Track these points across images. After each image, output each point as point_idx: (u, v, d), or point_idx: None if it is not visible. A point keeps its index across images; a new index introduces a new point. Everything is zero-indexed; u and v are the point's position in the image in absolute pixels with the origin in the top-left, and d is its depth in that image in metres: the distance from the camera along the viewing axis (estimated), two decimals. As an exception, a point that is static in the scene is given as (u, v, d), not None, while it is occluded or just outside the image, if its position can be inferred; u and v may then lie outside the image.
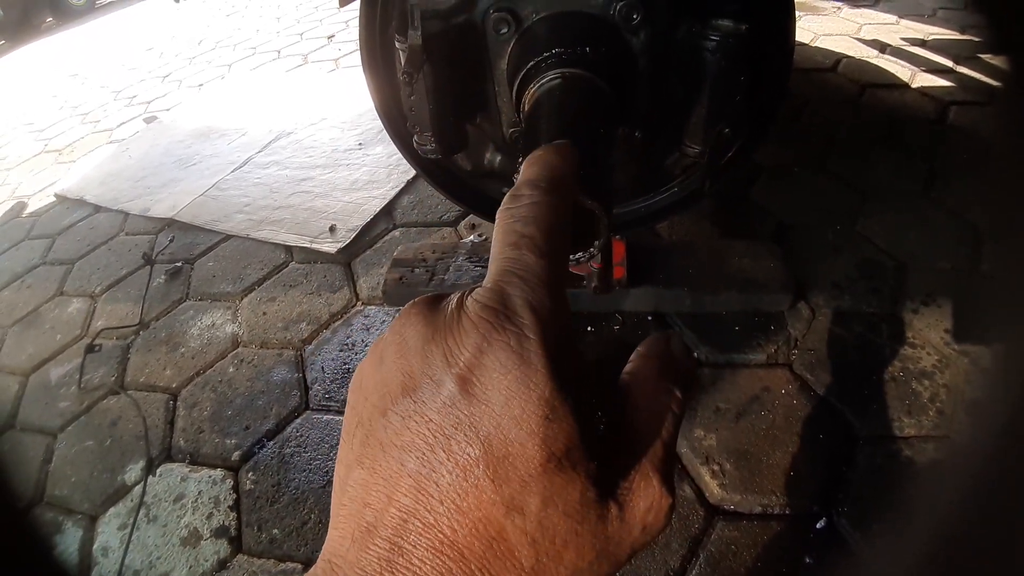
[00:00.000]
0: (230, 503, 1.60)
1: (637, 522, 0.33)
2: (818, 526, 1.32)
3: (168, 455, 1.75)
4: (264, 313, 2.15)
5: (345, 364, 1.89)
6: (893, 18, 3.34)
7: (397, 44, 0.97)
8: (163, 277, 2.45)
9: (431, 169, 1.23)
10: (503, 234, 0.38)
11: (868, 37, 3.16)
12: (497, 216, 0.40)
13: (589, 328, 1.81)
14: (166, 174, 3.28)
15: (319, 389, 1.83)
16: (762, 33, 0.96)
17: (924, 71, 2.78)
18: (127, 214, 2.99)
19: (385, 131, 1.22)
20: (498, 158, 1.18)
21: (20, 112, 5.26)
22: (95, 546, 1.59)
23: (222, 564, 1.48)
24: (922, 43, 3.03)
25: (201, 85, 4.64)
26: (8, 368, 2.24)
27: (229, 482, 1.64)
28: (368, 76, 1.15)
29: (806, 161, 2.33)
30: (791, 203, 2.14)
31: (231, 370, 1.96)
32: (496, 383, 0.31)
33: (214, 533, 1.54)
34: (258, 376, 1.91)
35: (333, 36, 4.91)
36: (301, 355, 1.95)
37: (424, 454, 0.31)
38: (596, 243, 0.52)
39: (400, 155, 1.24)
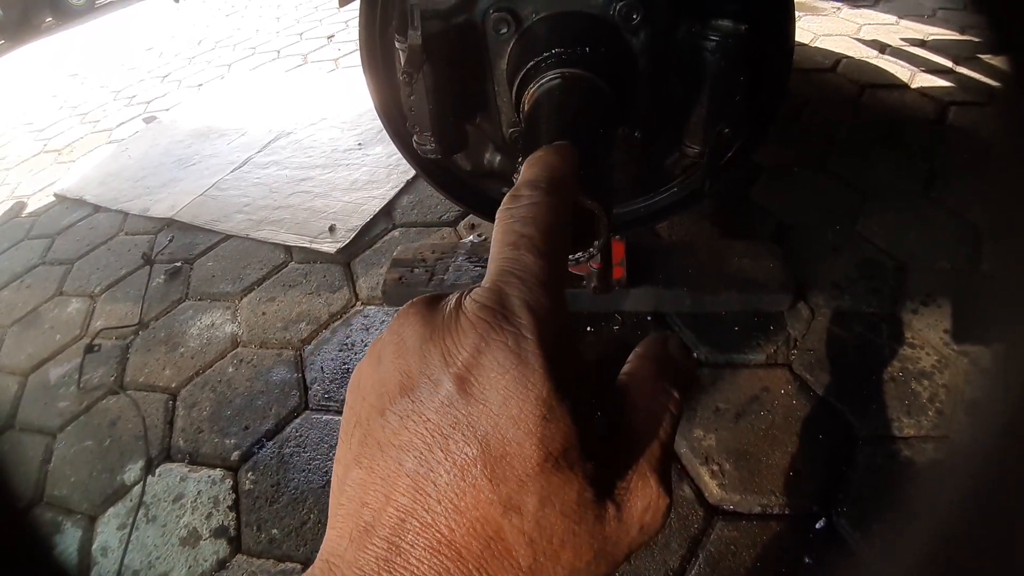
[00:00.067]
0: (229, 503, 1.60)
1: (634, 522, 0.33)
2: (817, 526, 1.32)
3: (167, 455, 1.75)
4: (263, 313, 2.15)
5: (344, 364, 1.89)
6: (893, 18, 3.34)
7: (397, 44, 0.97)
8: (162, 277, 2.45)
9: (431, 169, 1.23)
10: (502, 234, 0.38)
11: (868, 37, 3.16)
12: (496, 216, 0.40)
13: (589, 328, 1.81)
14: (166, 174, 3.28)
15: (318, 389, 1.83)
16: (762, 33, 0.96)
17: (924, 71, 2.78)
18: (126, 214, 2.99)
19: (385, 131, 1.22)
20: (498, 158, 1.18)
21: (20, 112, 5.26)
22: (94, 546, 1.59)
23: (221, 564, 1.48)
24: (922, 43, 3.03)
25: (201, 85, 4.64)
26: (7, 368, 2.24)
27: (228, 482, 1.64)
28: (368, 76, 1.14)
29: (806, 161, 2.33)
30: (791, 203, 2.14)
31: (230, 370, 1.96)
32: (494, 383, 0.31)
33: (213, 533, 1.54)
34: (257, 376, 1.91)
35: (333, 36, 4.91)
36: (300, 355, 1.95)
37: (422, 454, 0.31)
38: (596, 243, 0.52)
39: (400, 155, 1.24)
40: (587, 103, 0.75)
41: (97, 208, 3.13)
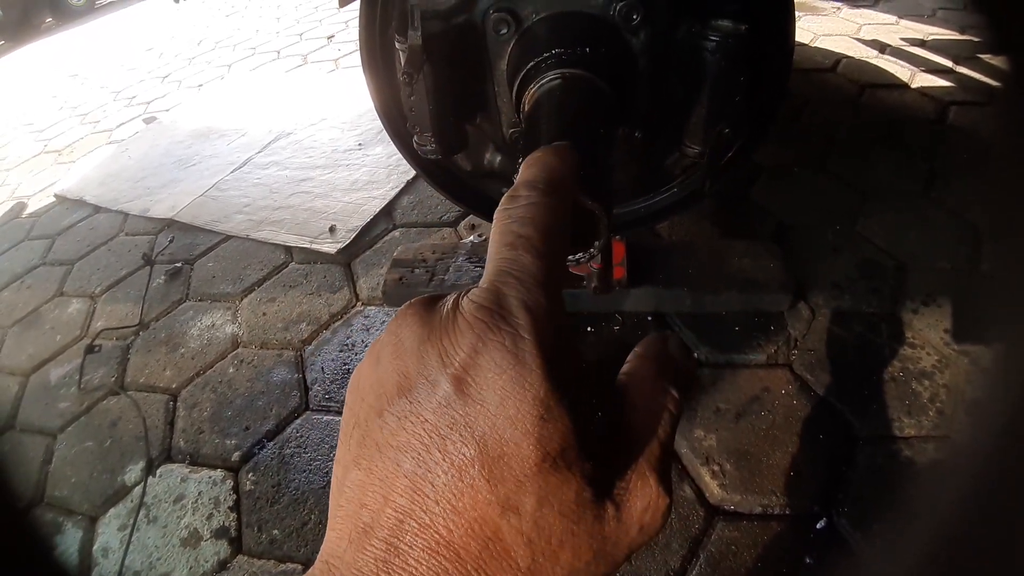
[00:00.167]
0: (230, 504, 1.60)
1: (634, 522, 0.33)
2: (818, 526, 1.32)
3: (168, 456, 1.76)
4: (264, 314, 2.15)
5: (345, 364, 1.89)
6: (893, 18, 3.34)
7: (397, 44, 0.97)
8: (163, 278, 2.45)
9: (431, 169, 1.23)
10: (500, 235, 0.38)
11: (868, 37, 3.16)
12: (495, 217, 0.40)
13: (589, 328, 1.81)
14: (166, 174, 3.28)
15: (319, 390, 1.83)
16: (762, 33, 0.96)
17: (924, 71, 2.78)
18: (127, 214, 2.99)
19: (385, 131, 1.22)
20: (498, 158, 1.18)
21: (20, 112, 5.27)
22: (95, 547, 1.59)
23: (222, 565, 1.48)
24: (922, 43, 3.03)
25: (201, 85, 4.65)
26: (8, 368, 2.25)
27: (229, 483, 1.64)
28: (368, 76, 1.14)
29: (806, 161, 2.33)
30: (791, 203, 2.14)
31: (231, 371, 1.96)
32: (491, 383, 0.31)
33: (214, 534, 1.54)
34: (258, 377, 1.91)
35: (333, 36, 4.92)
36: (301, 356, 1.95)
37: (420, 454, 0.31)
38: (596, 243, 0.52)
39: (400, 155, 1.24)
40: (587, 103, 0.75)
41: (97, 209, 3.14)
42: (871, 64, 2.91)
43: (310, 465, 1.63)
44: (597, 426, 0.34)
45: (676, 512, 1.38)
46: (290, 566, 1.44)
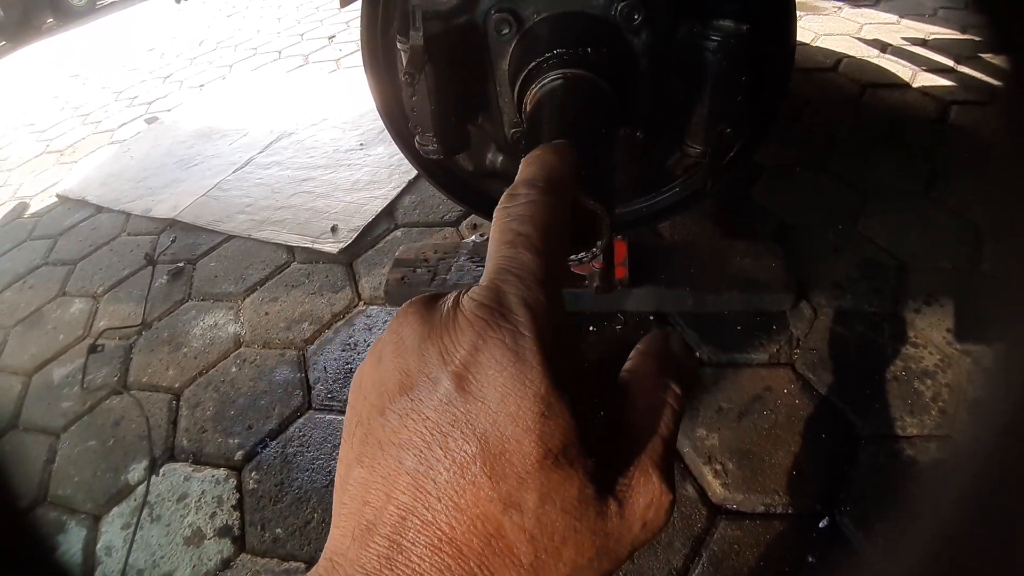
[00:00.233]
0: (233, 502, 1.60)
1: (637, 519, 0.33)
2: (821, 525, 1.32)
3: (171, 455, 1.76)
4: (266, 313, 2.15)
5: (347, 364, 1.89)
6: (894, 18, 3.33)
7: (399, 45, 0.97)
8: (165, 277, 2.45)
9: (433, 169, 1.23)
10: (499, 233, 0.38)
11: (869, 37, 3.16)
12: (494, 215, 0.40)
13: (591, 328, 1.81)
14: (168, 175, 3.28)
15: (321, 389, 1.83)
16: (763, 33, 0.96)
17: (925, 71, 2.78)
18: (129, 214, 2.99)
19: (387, 131, 1.22)
20: (500, 158, 1.18)
21: (21, 113, 5.27)
22: (99, 546, 1.60)
23: (225, 563, 1.48)
24: (923, 43, 3.02)
25: (202, 86, 4.65)
26: (11, 368, 2.25)
27: (232, 481, 1.65)
28: (370, 77, 1.15)
29: (807, 161, 2.33)
30: (792, 203, 2.14)
31: (234, 370, 1.96)
32: (492, 380, 0.31)
33: (217, 532, 1.55)
34: (261, 376, 1.91)
35: (334, 37, 4.92)
36: (303, 355, 1.96)
37: (421, 452, 0.31)
38: (598, 243, 0.52)
39: (402, 155, 1.24)
40: (589, 103, 0.75)
41: (99, 209, 3.14)
42: (872, 63, 2.91)
43: (313, 464, 1.63)
44: (599, 423, 0.34)
45: (679, 511, 1.38)
46: (293, 564, 1.45)
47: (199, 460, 1.72)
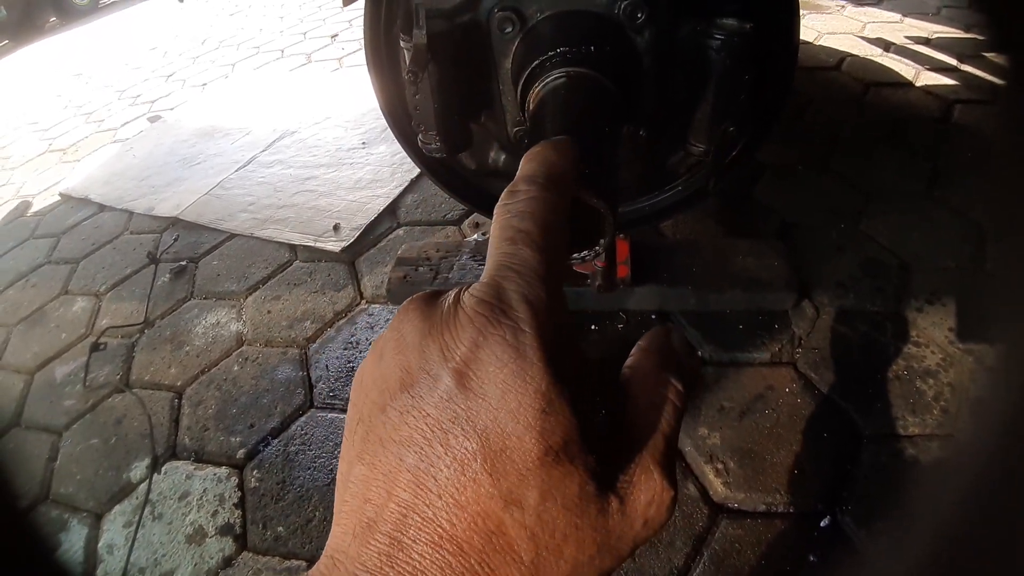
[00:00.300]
0: (235, 501, 1.60)
1: (638, 515, 0.33)
2: (822, 524, 1.32)
3: (173, 453, 1.76)
4: (268, 311, 2.15)
5: (349, 362, 1.89)
6: (897, 16, 3.33)
7: (402, 43, 0.97)
8: (168, 276, 2.45)
9: (435, 168, 1.23)
10: (499, 230, 0.38)
11: (872, 35, 3.16)
12: (495, 212, 0.40)
13: (593, 327, 1.81)
14: (170, 173, 3.28)
15: (323, 387, 1.83)
16: (766, 32, 0.95)
17: (928, 69, 2.77)
18: (131, 213, 3.00)
19: (389, 130, 1.22)
20: (503, 157, 1.18)
21: (24, 111, 5.28)
22: (100, 544, 1.60)
23: (227, 561, 1.49)
24: (926, 41, 3.02)
25: (205, 84, 4.65)
26: (13, 366, 2.25)
27: (234, 480, 1.65)
28: (372, 75, 1.15)
29: (810, 160, 2.33)
30: (795, 202, 2.14)
31: (236, 368, 1.97)
32: (492, 377, 0.31)
33: (219, 531, 1.55)
34: (263, 374, 1.92)
35: (337, 35, 4.92)
36: (305, 353, 1.96)
37: (422, 449, 0.31)
38: (601, 241, 0.52)
39: (404, 154, 1.24)
40: (592, 102, 0.75)
41: (102, 207, 3.14)
42: (875, 62, 2.90)
43: (314, 462, 1.63)
44: (600, 420, 0.34)
45: (680, 510, 1.38)
46: (295, 563, 1.45)
47: (201, 458, 1.73)
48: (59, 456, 1.86)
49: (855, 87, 2.73)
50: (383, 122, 1.21)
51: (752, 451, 1.45)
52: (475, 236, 2.24)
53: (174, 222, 2.81)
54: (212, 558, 1.50)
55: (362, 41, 1.13)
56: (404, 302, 0.37)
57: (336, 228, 2.44)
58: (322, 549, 0.33)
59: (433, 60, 0.93)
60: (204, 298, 2.31)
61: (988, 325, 1.53)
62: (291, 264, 2.36)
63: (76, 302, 2.48)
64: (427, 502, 0.30)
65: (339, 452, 0.36)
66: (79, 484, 1.76)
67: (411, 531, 0.30)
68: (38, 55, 7.42)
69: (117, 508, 1.66)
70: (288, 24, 5.62)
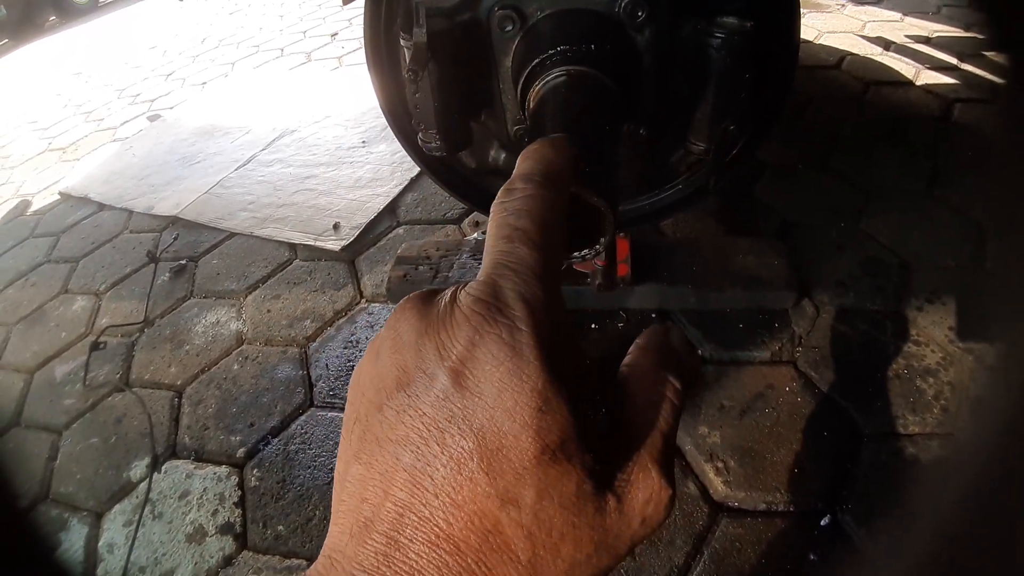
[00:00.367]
0: (235, 500, 1.60)
1: (636, 514, 0.33)
2: (822, 523, 1.32)
3: (173, 452, 1.76)
4: (268, 310, 2.15)
5: (349, 361, 1.89)
6: (897, 15, 3.33)
7: (402, 42, 0.97)
8: (167, 275, 2.45)
9: (435, 166, 1.23)
10: (496, 227, 0.38)
11: (872, 34, 3.15)
12: (491, 210, 0.40)
13: (593, 325, 1.81)
14: (170, 172, 3.28)
15: (323, 386, 1.83)
16: (767, 30, 0.95)
17: (928, 68, 2.77)
18: (131, 212, 3.00)
19: (389, 128, 1.22)
20: (503, 155, 1.18)
21: (24, 111, 5.28)
22: (100, 543, 1.60)
23: (227, 560, 1.49)
24: (926, 40, 3.02)
25: (204, 83, 4.65)
26: (13, 366, 2.25)
27: (234, 479, 1.65)
28: (372, 74, 1.15)
29: (810, 159, 2.33)
30: (795, 201, 2.14)
31: (236, 367, 1.97)
32: (488, 375, 0.31)
33: (219, 530, 1.55)
34: (262, 373, 1.92)
35: (336, 34, 4.91)
36: (305, 352, 1.96)
37: (418, 448, 0.31)
38: (601, 240, 0.52)
39: (404, 153, 1.24)
40: (592, 100, 0.75)
41: (102, 206, 3.14)
42: (875, 61, 2.90)
43: (315, 461, 1.63)
44: (600, 419, 0.34)
45: (680, 509, 1.38)
46: (295, 562, 1.45)
47: (201, 457, 1.73)
48: (59, 455, 1.86)
49: (855, 86, 2.73)
50: (383, 121, 1.21)
51: (752, 450, 1.45)
52: (475, 235, 2.24)
53: (174, 221, 2.81)
54: (212, 557, 1.50)
55: (362, 40, 1.13)
56: (401, 301, 0.37)
57: (336, 227, 2.44)
58: (322, 548, 0.33)
59: (433, 58, 0.93)
60: (204, 297, 2.31)
61: (988, 324, 1.53)
62: (291, 263, 2.36)
63: (76, 301, 2.47)
64: (424, 501, 0.30)
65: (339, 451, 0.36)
66: (79, 483, 1.76)
67: (408, 530, 0.30)
68: (38, 54, 7.42)
69: (117, 507, 1.66)
70: (288, 23, 5.62)
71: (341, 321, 2.05)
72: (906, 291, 1.74)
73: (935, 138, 2.34)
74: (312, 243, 2.40)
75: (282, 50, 4.90)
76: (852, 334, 1.66)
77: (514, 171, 0.43)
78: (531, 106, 0.79)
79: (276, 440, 1.71)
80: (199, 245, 2.59)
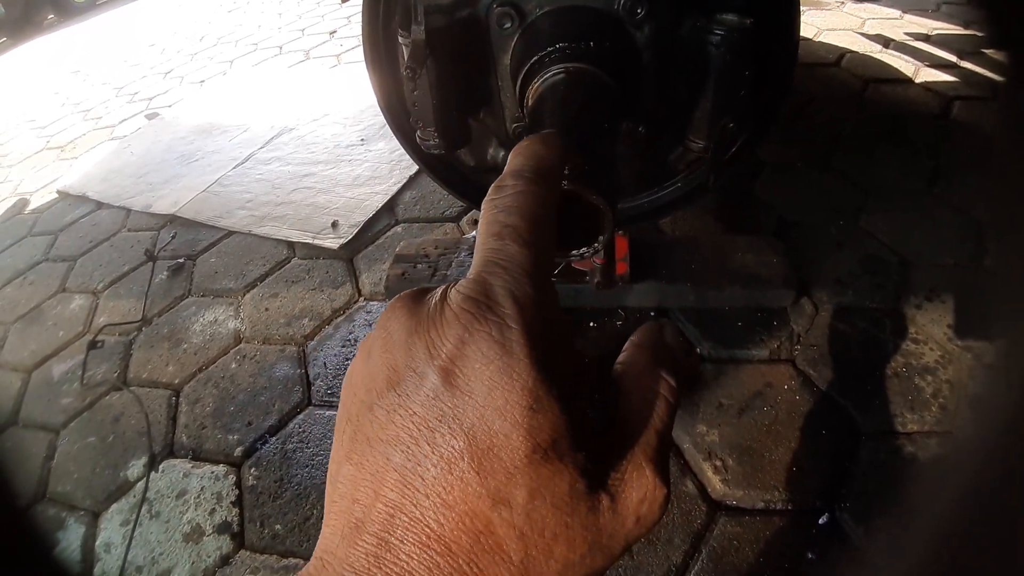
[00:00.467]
0: (232, 499, 1.60)
1: (630, 513, 0.33)
2: (821, 522, 1.32)
3: (170, 451, 1.76)
4: (266, 309, 2.15)
5: (347, 360, 1.89)
6: (897, 13, 3.32)
7: (400, 39, 0.97)
8: (165, 273, 2.45)
9: (434, 164, 1.22)
10: (486, 225, 0.38)
11: (872, 32, 3.15)
12: (482, 207, 0.40)
13: (592, 324, 1.80)
14: (168, 170, 3.27)
15: (321, 385, 1.83)
16: (767, 28, 0.95)
17: (928, 66, 2.77)
18: (129, 210, 2.99)
19: (387, 126, 1.22)
20: (501, 153, 1.18)
21: (22, 109, 5.26)
22: (98, 542, 1.60)
23: (224, 560, 1.48)
24: (926, 38, 3.01)
25: (203, 81, 4.64)
26: (10, 365, 2.25)
27: (231, 478, 1.65)
28: (371, 71, 1.14)
29: (809, 157, 2.32)
30: (794, 199, 2.13)
31: (233, 366, 1.96)
32: (478, 374, 0.31)
33: (216, 529, 1.55)
34: (260, 372, 1.91)
35: (335, 32, 4.91)
36: (303, 351, 1.95)
37: (409, 448, 0.31)
38: (600, 238, 0.51)
39: (402, 151, 1.23)
40: (591, 98, 0.75)
41: (100, 205, 3.14)
42: (875, 59, 2.90)
43: (312, 460, 1.63)
44: (594, 417, 0.34)
45: (678, 507, 1.38)
46: (292, 561, 1.45)
47: (198, 456, 1.73)
48: (56, 454, 1.85)
49: (855, 83, 2.73)
50: (381, 119, 1.21)
51: (751, 448, 1.45)
52: (473, 233, 2.23)
53: (172, 219, 2.80)
54: (209, 556, 1.50)
55: (360, 37, 1.12)
56: (392, 300, 0.37)
57: (334, 225, 2.44)
58: (315, 549, 0.33)
59: (432, 56, 0.93)
60: (202, 295, 2.31)
61: (987, 322, 1.53)
62: (289, 261, 2.36)
63: (73, 300, 2.47)
64: (414, 502, 0.30)
65: (333, 451, 0.36)
66: (76, 482, 1.76)
67: (399, 531, 0.30)
68: (36, 52, 7.40)
69: (114, 506, 1.66)
70: (286, 20, 5.61)
71: (339, 319, 2.04)
72: (905, 289, 1.74)
73: (935, 136, 2.34)
74: (310, 241, 2.39)
75: (280, 48, 4.89)
76: (851, 332, 1.66)
77: (505, 168, 0.43)
78: (530, 103, 0.79)
79: (274, 439, 1.71)
80: (197, 243, 2.58)
